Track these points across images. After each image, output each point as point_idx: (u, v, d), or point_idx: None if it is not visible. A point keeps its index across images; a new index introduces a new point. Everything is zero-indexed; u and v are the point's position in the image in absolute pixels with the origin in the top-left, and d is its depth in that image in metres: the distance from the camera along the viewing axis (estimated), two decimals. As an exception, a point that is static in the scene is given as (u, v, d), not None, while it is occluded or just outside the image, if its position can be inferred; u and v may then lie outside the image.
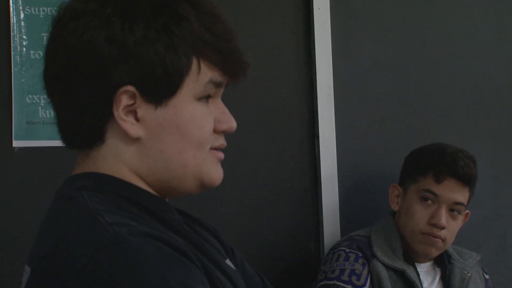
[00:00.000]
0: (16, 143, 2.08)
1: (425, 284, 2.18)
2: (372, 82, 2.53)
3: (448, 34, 2.66)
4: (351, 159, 2.47)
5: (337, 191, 2.42)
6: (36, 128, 2.08)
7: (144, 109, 1.11)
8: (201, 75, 1.13)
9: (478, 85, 2.69)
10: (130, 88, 1.09)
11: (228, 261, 1.28)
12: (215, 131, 1.18)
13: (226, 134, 1.23)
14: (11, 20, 2.08)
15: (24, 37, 2.09)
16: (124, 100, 1.09)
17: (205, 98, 1.16)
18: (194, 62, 1.12)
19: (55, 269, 0.98)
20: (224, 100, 1.22)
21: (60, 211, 1.09)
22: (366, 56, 2.53)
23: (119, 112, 1.09)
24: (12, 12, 2.08)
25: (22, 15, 2.09)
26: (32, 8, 2.10)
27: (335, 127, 2.43)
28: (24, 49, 2.09)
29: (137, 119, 1.11)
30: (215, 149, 1.20)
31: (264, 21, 2.40)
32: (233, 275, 1.20)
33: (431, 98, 2.62)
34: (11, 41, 2.08)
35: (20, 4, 2.09)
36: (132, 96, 1.09)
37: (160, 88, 1.10)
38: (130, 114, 1.11)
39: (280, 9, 2.43)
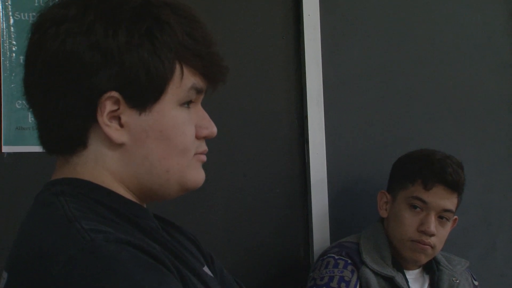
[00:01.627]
0: (5, 149, 2.07)
1: (413, 291, 2.19)
2: (361, 87, 2.54)
3: (438, 40, 2.67)
4: (341, 164, 2.48)
5: (327, 197, 2.43)
6: (25, 134, 2.08)
7: (128, 115, 1.11)
8: (183, 81, 1.14)
9: (468, 91, 2.70)
10: (114, 94, 1.09)
11: (206, 268, 1.28)
12: (197, 137, 1.18)
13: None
14: (1, 25, 2.07)
15: (14, 42, 2.08)
16: (108, 106, 1.09)
17: (187, 103, 1.16)
18: (177, 67, 1.13)
19: (31, 275, 0.98)
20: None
21: (37, 217, 1.09)
22: (355, 62, 2.54)
23: (103, 118, 1.09)
24: (1, 17, 2.07)
25: (11, 21, 2.08)
26: (22, 14, 2.09)
27: (324, 132, 2.43)
28: (14, 54, 2.08)
29: (121, 125, 1.11)
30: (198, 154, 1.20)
31: (254, 27, 2.41)
32: (210, 282, 1.20)
33: (421, 104, 2.63)
34: (1, 47, 2.07)
35: (10, 9, 2.09)
36: (116, 102, 1.10)
37: (144, 94, 1.10)
38: (113, 120, 1.11)
39: (270, 15, 2.43)
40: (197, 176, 1.20)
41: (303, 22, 2.42)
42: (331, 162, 2.45)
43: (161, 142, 1.13)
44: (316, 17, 2.45)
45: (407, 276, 2.19)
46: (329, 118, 2.45)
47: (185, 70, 1.14)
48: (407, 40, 2.63)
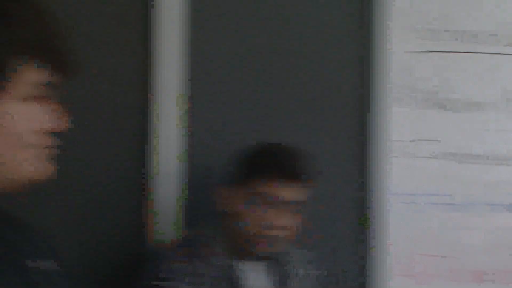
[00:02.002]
0: None
1: (253, 281, 2.21)
2: (212, 78, 2.56)
3: (287, 33, 2.70)
4: (190, 159, 2.49)
5: (173, 191, 2.44)
6: None
7: None
8: (28, 75, 1.11)
9: (316, 85, 2.74)
10: None
11: (41, 261, 1.25)
12: (43, 130, 1.16)
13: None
14: None
15: None
16: None
17: (33, 98, 1.14)
18: (22, 61, 1.10)
19: None
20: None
21: None
22: (205, 52, 2.55)
23: None
24: None
25: None
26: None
27: (172, 126, 2.44)
28: None
29: None
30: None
31: (104, 15, 2.41)
32: (43, 277, 1.20)
33: (270, 97, 2.66)
34: None
35: None
36: None
37: None
38: None
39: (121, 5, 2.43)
40: (38, 170, 1.17)
41: (155, 15, 2.43)
42: (177, 156, 2.46)
43: None
44: (172, 10, 2.46)
45: (247, 267, 2.20)
46: (180, 111, 2.46)
47: (31, 65, 1.11)
48: (256, 34, 2.65)
